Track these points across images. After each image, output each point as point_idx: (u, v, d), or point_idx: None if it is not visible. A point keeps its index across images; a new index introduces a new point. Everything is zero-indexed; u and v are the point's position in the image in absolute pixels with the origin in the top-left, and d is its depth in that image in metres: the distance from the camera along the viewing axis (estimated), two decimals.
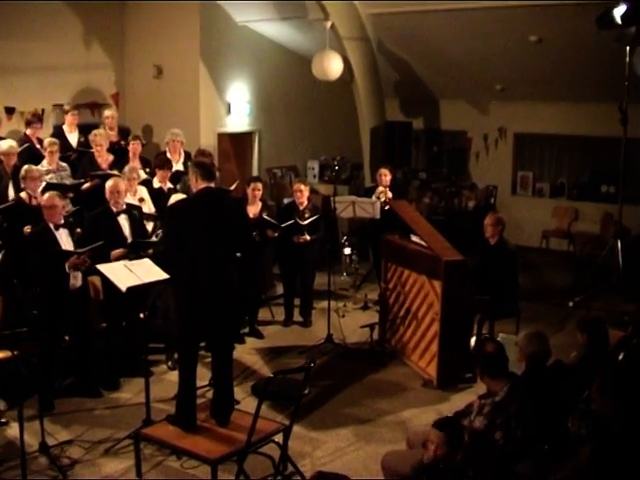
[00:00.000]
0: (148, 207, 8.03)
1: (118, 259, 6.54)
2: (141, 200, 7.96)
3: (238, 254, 5.75)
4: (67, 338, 6.72)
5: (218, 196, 5.69)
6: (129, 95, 11.34)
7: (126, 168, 8.07)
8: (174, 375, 6.86)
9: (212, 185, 5.52)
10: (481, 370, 4.69)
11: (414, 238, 7.59)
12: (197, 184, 5.48)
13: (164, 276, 5.81)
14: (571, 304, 9.47)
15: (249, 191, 8.31)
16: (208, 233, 5.32)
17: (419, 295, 7.39)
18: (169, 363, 7.35)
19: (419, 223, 7.70)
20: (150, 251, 6.90)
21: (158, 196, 8.21)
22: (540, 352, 4.90)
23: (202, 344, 6.08)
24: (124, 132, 10.14)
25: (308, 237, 8.54)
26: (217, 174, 9.11)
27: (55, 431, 5.97)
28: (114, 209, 6.91)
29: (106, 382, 6.83)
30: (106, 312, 7.00)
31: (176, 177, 8.73)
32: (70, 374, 6.82)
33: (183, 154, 9.46)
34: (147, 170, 9.01)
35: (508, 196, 13.31)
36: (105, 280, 6.14)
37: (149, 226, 7.66)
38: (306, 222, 8.50)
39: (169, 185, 8.55)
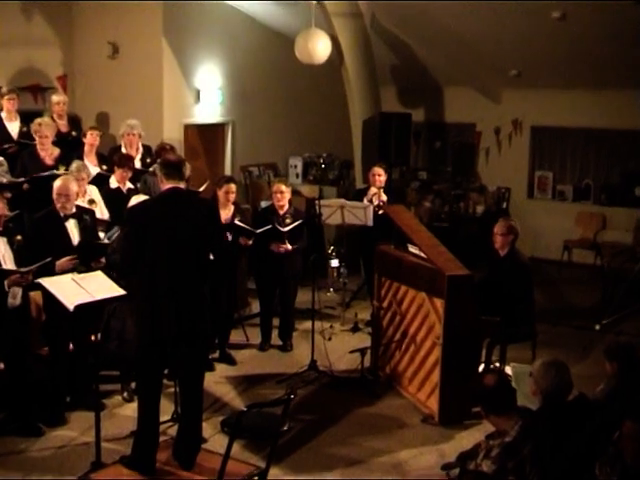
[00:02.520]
0: (100, 211, 8.02)
1: (65, 271, 6.49)
2: (91, 202, 7.96)
3: (212, 258, 5.79)
4: (1, 365, 6.67)
5: (186, 198, 5.72)
6: (79, 78, 11.32)
7: (74, 165, 8.05)
8: (131, 408, 6.85)
9: (181, 185, 5.56)
10: (484, 409, 4.70)
11: (412, 249, 7.59)
12: (162, 184, 5.56)
13: (120, 292, 5.80)
14: (598, 327, 9.51)
15: (220, 193, 8.30)
16: (173, 241, 5.35)
17: (418, 315, 7.40)
18: (125, 394, 7.31)
19: (418, 231, 7.71)
20: (103, 260, 6.89)
21: (115, 198, 8.21)
22: (559, 384, 4.90)
23: (165, 371, 6.08)
24: (74, 121, 10.11)
25: (289, 246, 8.55)
26: (187, 172, 9.15)
27: None
28: (61, 213, 6.87)
29: (48, 417, 6.77)
30: (49, 334, 6.95)
31: (134, 176, 8.73)
32: (4, 408, 6.73)
33: (141, 149, 9.48)
34: (104, 167, 9.01)
35: (523, 200, 13.41)
36: (48, 296, 6.11)
37: (102, 234, 7.64)
38: (287, 228, 8.51)
39: (129, 185, 8.56)
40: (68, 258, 6.67)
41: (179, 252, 5.36)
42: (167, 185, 5.51)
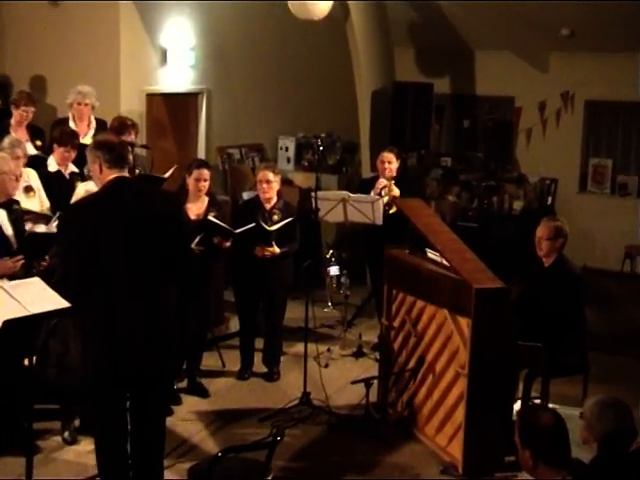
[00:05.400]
0: (40, 200, 8.03)
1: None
2: (28, 190, 7.96)
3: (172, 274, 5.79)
4: None
5: (138, 190, 5.73)
6: (10, 31, 11.25)
7: (5, 141, 8.04)
8: (73, 452, 6.87)
9: (125, 174, 5.57)
10: (532, 454, 4.68)
11: (431, 254, 7.61)
12: (102, 175, 5.53)
13: (62, 304, 5.77)
14: None
15: (191, 181, 8.29)
16: (127, 245, 5.36)
17: (438, 338, 7.41)
18: (66, 434, 7.27)
19: (439, 232, 7.72)
20: (44, 263, 6.88)
21: (54, 184, 8.21)
22: (619, 429, 4.87)
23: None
24: (1, 86, 10.08)
25: (277, 249, 8.56)
26: (138, 154, 9.14)
27: None
28: None
29: None
30: None
31: (82, 157, 8.70)
32: None
33: (94, 123, 9.47)
34: (38, 144, 9.00)
35: (574, 194, 13.42)
36: None
37: (40, 229, 7.62)
38: (274, 227, 8.51)
39: (72, 169, 8.54)
40: (16, 259, 6.67)
41: (135, 258, 5.39)
42: (109, 175, 5.50)
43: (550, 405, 6.95)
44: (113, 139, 5.91)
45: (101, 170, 5.53)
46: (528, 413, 5.11)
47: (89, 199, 5.95)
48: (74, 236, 5.49)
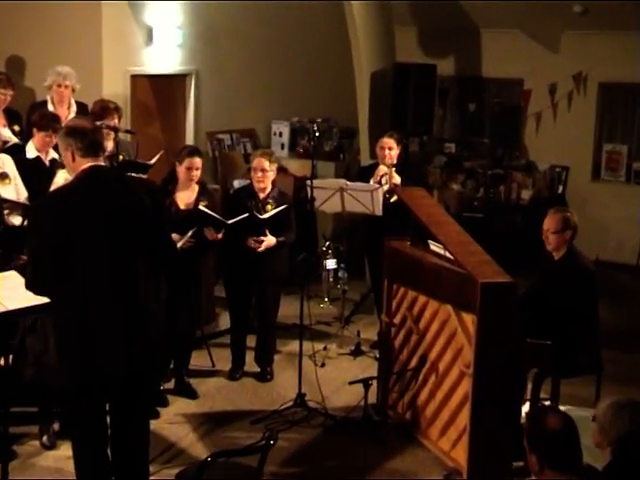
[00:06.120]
0: (15, 190, 8.02)
1: None
2: (3, 176, 7.96)
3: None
4: None
5: (115, 180, 5.71)
6: None
7: None
8: (52, 458, 6.87)
9: (100, 163, 5.54)
10: (539, 458, 4.67)
11: (434, 247, 7.61)
12: (75, 164, 5.48)
13: (40, 300, 5.76)
14: None
15: (181, 169, 8.26)
16: (103, 240, 5.35)
17: (441, 335, 7.41)
18: (44, 439, 7.26)
19: (443, 224, 7.69)
20: (24, 257, 6.83)
21: (33, 172, 8.20)
22: (635, 433, 4.87)
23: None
24: None
25: (273, 239, 8.55)
26: (122, 140, 9.14)
27: None
28: None
29: None
30: None
31: None
32: None
33: (74, 107, 9.45)
34: (16, 129, 8.99)
35: (586, 183, 13.45)
36: None
37: (16, 221, 7.62)
38: (268, 215, 8.49)
39: (52, 155, 8.52)
40: None
41: (112, 255, 5.37)
42: (83, 164, 5.45)
43: (561, 407, 6.94)
44: (86, 124, 5.84)
45: (74, 159, 5.48)
46: (536, 415, 5.10)
47: (61, 191, 5.93)
48: (44, 231, 5.43)
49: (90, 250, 5.32)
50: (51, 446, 7.14)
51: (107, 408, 5.62)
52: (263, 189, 8.69)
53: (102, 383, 5.45)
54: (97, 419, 5.56)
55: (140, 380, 5.56)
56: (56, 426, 7.16)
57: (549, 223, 7.51)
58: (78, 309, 5.35)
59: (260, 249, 8.50)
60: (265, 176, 8.64)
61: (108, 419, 5.62)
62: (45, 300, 5.75)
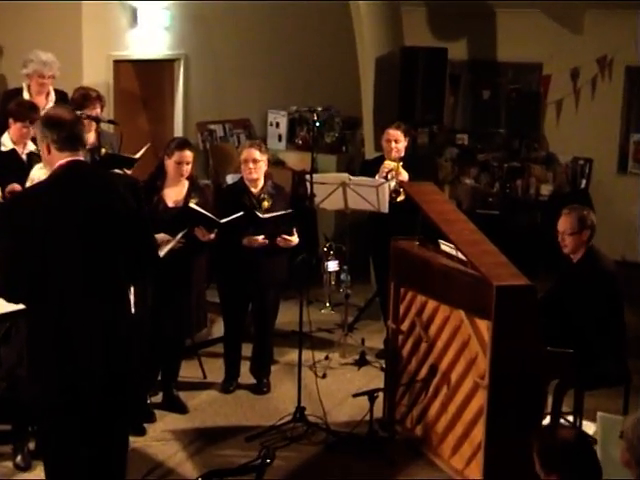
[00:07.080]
0: None
1: None
2: None
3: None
4: None
5: (95, 176, 5.69)
6: None
7: None
8: None
9: (79, 157, 5.51)
10: (561, 477, 4.65)
11: (445, 247, 7.62)
12: (51, 157, 5.47)
13: (15, 307, 5.74)
14: None
15: (170, 164, 8.24)
16: (81, 242, 5.34)
17: (453, 343, 7.42)
18: (18, 459, 7.26)
19: (454, 222, 7.72)
20: None
21: (9, 165, 8.22)
22: None
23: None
24: None
25: (296, 239, 8.61)
26: (105, 131, 9.13)
27: None
28: None
29: None
30: None
31: None
32: None
33: (53, 95, 9.46)
34: None
35: (612, 176, 13.43)
36: None
37: None
38: (268, 215, 8.47)
39: (30, 148, 8.52)
40: None
41: (90, 258, 5.36)
42: (60, 158, 5.44)
43: (585, 422, 6.92)
44: (64, 115, 5.82)
45: (49, 151, 5.46)
46: (546, 433, 5.12)
47: (35, 188, 5.92)
48: (17, 232, 5.41)
49: (66, 253, 5.30)
50: (26, 467, 7.13)
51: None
52: (255, 181, 8.66)
53: (78, 395, 5.41)
54: (71, 439, 5.50)
55: (120, 394, 5.54)
56: (31, 445, 7.11)
57: (564, 224, 7.51)
58: (53, 317, 5.33)
59: (253, 244, 8.51)
60: (257, 167, 8.62)
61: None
62: (21, 306, 5.73)
